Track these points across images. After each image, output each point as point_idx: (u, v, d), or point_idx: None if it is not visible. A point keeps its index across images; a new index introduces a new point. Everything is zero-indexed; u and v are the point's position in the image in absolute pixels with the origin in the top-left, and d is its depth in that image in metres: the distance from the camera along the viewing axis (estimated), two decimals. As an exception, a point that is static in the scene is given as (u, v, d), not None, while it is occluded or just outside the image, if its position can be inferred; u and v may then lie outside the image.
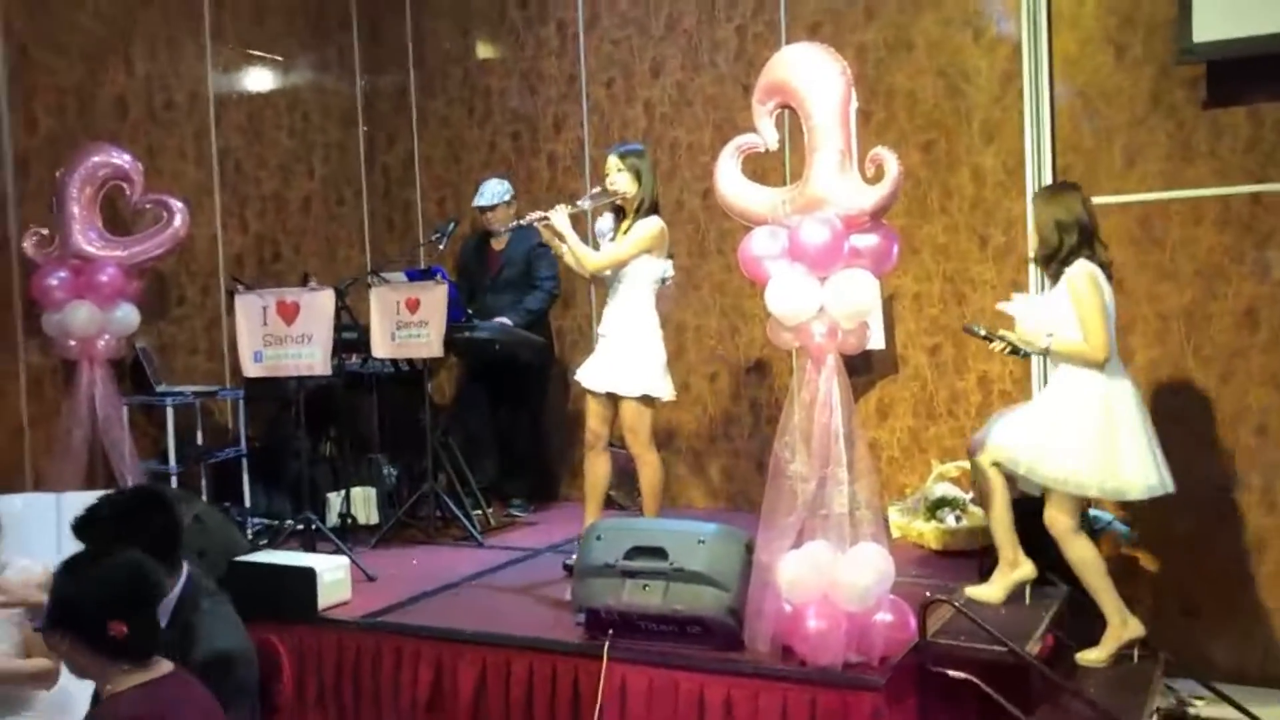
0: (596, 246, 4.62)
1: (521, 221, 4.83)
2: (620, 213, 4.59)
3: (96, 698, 2.44)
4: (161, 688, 2.37)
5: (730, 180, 3.61)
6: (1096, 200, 5.15)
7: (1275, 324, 4.86)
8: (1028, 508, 4.15)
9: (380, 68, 7.06)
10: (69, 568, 2.42)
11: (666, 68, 6.18)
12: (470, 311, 5.53)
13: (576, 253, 4.50)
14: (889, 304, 5.57)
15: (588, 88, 6.41)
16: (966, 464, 5.12)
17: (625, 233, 4.48)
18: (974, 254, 5.47)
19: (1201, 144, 5.03)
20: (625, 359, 4.43)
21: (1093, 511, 4.74)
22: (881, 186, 3.39)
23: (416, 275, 5.27)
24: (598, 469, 4.59)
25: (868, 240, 3.44)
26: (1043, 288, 5.27)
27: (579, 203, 4.70)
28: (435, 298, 5.02)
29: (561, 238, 4.52)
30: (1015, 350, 4.17)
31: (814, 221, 3.38)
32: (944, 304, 5.54)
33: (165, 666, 2.41)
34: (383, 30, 7.02)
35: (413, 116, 6.97)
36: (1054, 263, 4.00)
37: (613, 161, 4.51)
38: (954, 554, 4.76)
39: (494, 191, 5.92)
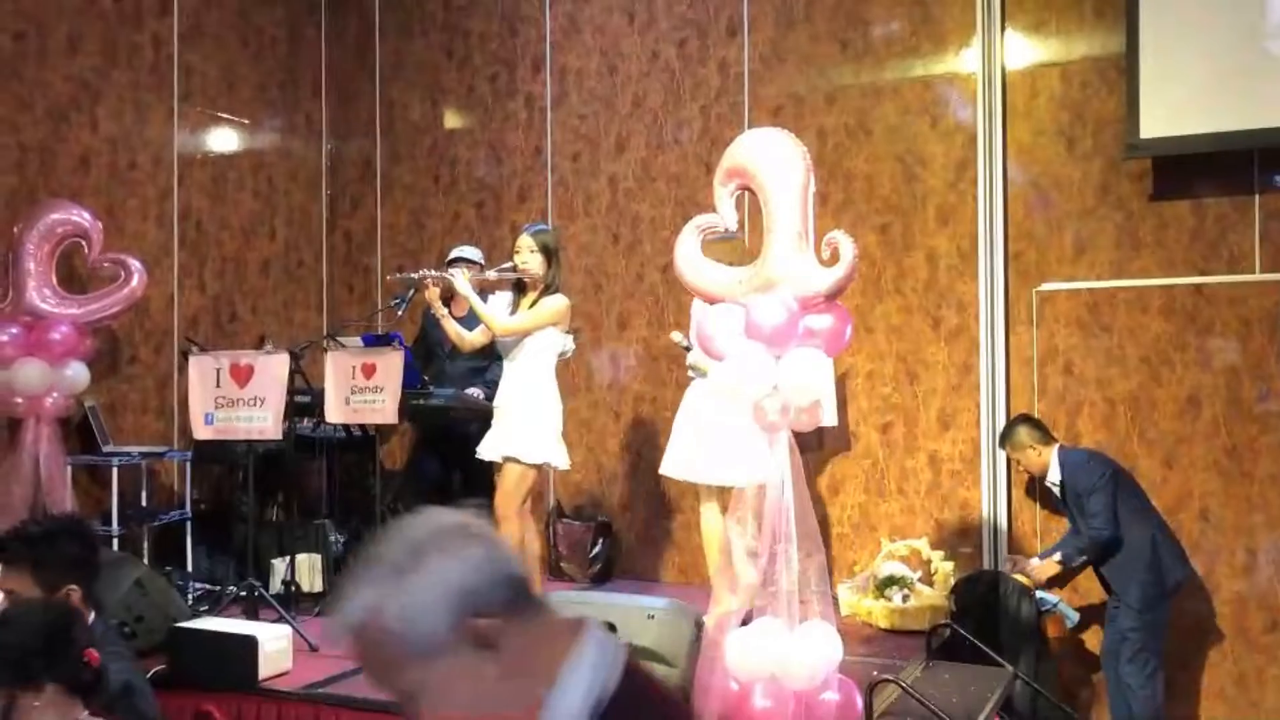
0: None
1: (414, 274, 4.84)
2: (521, 287, 4.65)
3: None
4: None
5: (689, 258, 3.66)
6: (1048, 286, 5.32)
7: (1217, 411, 4.97)
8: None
9: (347, 133, 7.12)
10: (8, 621, 2.36)
11: (631, 144, 6.29)
12: (425, 378, 5.51)
13: (484, 315, 4.56)
14: (842, 382, 5.63)
15: (553, 160, 6.50)
16: (916, 543, 5.18)
17: (531, 306, 4.55)
18: (926, 334, 5.56)
19: (1148, 235, 5.18)
20: (521, 427, 4.47)
21: (1039, 593, 4.78)
22: (836, 269, 3.44)
23: (373, 340, 5.26)
24: (530, 540, 4.64)
25: (822, 321, 3.48)
26: (992, 366, 5.38)
27: (487, 272, 4.79)
28: (392, 364, 5.00)
29: (461, 299, 4.62)
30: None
31: (769, 301, 3.43)
32: (896, 383, 5.61)
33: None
34: (352, 97, 7.09)
35: (377, 183, 7.01)
36: None
37: (525, 241, 4.58)
38: (902, 633, 4.76)
39: (474, 251, 5.91)
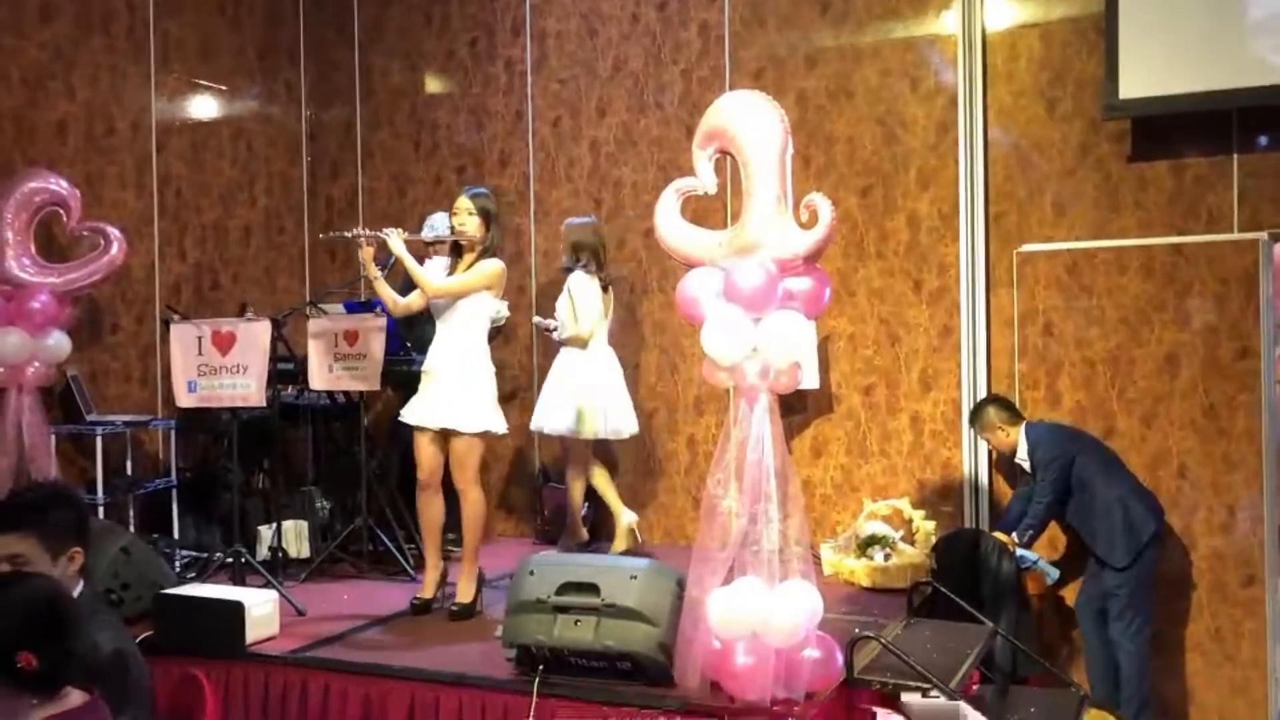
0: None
1: (347, 234, 4.71)
2: (458, 250, 4.62)
3: None
4: None
5: (670, 221, 3.66)
6: (1028, 247, 5.35)
7: (1195, 371, 5.02)
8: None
9: (327, 100, 7.07)
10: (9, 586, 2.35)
11: (613, 108, 6.27)
12: (408, 343, 5.52)
13: (417, 276, 4.50)
14: (824, 345, 5.66)
15: (534, 125, 6.47)
16: (897, 502, 5.23)
17: (467, 269, 4.52)
18: (908, 297, 5.59)
19: (1127, 195, 5.21)
20: (459, 395, 4.43)
21: (1019, 551, 4.84)
22: (815, 231, 3.45)
23: (355, 307, 5.26)
24: (434, 508, 4.58)
25: (801, 283, 3.50)
26: (973, 327, 5.42)
27: (423, 234, 4.76)
28: (374, 331, 5.02)
29: (398, 260, 4.54)
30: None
31: (748, 264, 3.44)
32: (878, 346, 5.64)
33: (75, 698, 2.34)
34: (331, 64, 7.03)
35: (358, 149, 6.98)
36: (569, 271, 5.41)
37: (464, 203, 4.54)
38: (884, 591, 4.82)
39: (446, 225, 5.89)
